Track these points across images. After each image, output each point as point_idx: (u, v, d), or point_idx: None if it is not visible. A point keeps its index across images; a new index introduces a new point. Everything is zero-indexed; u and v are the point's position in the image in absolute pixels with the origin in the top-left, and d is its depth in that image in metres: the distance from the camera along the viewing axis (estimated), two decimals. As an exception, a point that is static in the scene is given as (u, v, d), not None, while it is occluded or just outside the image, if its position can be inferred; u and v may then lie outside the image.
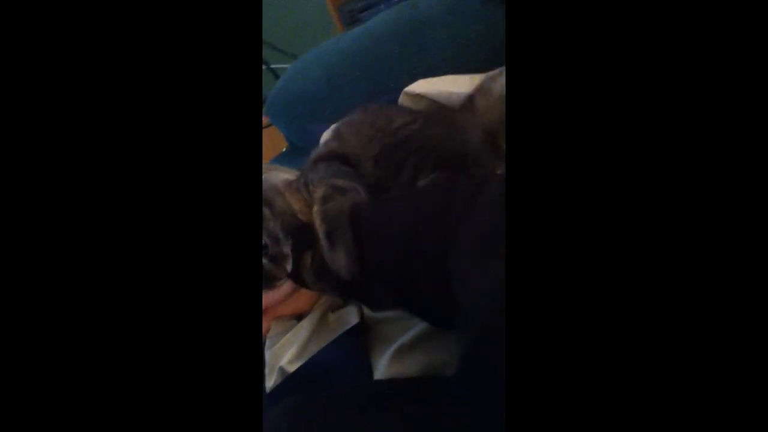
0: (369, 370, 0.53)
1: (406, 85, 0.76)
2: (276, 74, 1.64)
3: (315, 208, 0.51)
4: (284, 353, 0.56)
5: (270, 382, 0.55)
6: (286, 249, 0.51)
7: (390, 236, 0.45)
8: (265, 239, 0.51)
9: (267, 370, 0.56)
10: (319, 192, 0.51)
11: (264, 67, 1.63)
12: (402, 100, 0.78)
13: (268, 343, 0.58)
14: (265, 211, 0.53)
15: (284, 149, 1.57)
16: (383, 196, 0.52)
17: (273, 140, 1.56)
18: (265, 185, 0.57)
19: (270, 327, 0.59)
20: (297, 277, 0.53)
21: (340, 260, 0.46)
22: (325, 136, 0.78)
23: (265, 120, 1.54)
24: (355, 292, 0.52)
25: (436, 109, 0.59)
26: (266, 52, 1.62)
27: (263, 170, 0.86)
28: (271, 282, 0.52)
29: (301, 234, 0.52)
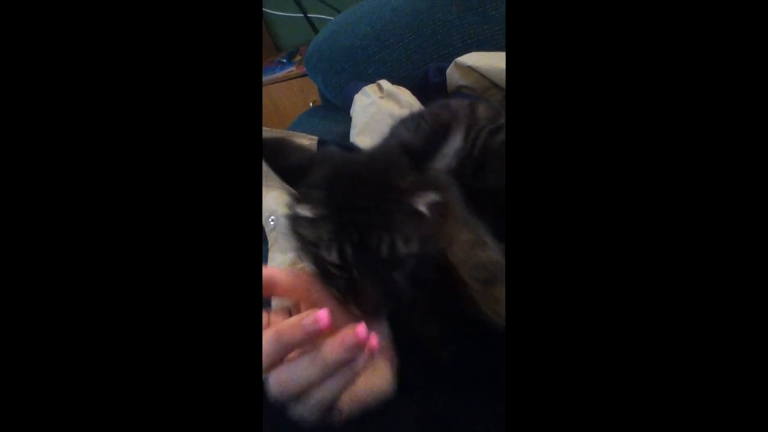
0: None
1: (459, 55, 0.74)
2: (313, 25, 1.59)
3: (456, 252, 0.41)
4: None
5: None
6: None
7: None
8: None
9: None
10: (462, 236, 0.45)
11: (301, 15, 1.58)
12: (451, 70, 0.76)
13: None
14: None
15: (311, 104, 1.54)
16: None
17: (302, 92, 1.53)
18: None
19: None
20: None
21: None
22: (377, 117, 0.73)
23: (299, 69, 1.50)
24: None
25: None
26: (306, 1, 1.56)
27: (284, 135, 0.83)
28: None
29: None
